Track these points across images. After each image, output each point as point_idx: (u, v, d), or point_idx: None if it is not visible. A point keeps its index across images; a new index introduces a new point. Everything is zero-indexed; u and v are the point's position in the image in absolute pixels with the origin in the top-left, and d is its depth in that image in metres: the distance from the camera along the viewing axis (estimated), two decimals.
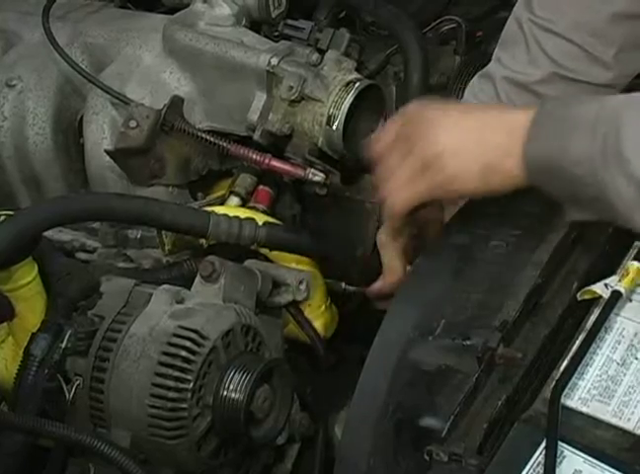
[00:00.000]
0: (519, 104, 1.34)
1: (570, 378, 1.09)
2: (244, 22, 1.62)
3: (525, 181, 1.13)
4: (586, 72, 1.33)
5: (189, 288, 1.25)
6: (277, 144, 1.54)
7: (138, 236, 1.46)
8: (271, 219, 1.47)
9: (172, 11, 1.66)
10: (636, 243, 1.17)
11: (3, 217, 1.23)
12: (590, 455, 1.02)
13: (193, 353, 1.15)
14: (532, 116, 1.11)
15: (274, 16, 1.62)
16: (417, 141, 1.18)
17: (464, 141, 1.15)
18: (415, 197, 1.20)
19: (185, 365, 1.14)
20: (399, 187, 1.20)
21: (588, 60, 1.33)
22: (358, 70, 1.56)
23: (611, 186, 1.04)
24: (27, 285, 1.28)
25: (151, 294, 1.22)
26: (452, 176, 1.16)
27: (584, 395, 1.09)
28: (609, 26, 1.31)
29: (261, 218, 1.43)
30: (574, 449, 1.03)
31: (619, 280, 1.13)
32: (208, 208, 1.44)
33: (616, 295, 1.13)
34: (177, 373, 1.14)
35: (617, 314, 1.13)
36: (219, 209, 1.44)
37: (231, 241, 1.35)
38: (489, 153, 1.14)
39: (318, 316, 1.45)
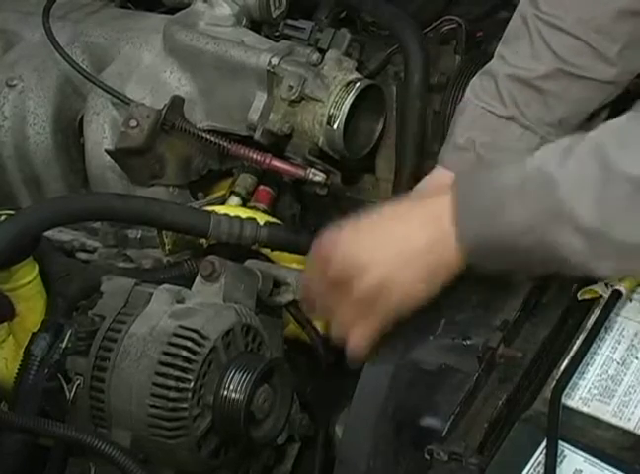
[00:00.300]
0: (520, 100, 1.34)
1: (570, 378, 1.09)
2: (244, 22, 1.62)
3: (470, 264, 1.10)
4: (590, 68, 1.33)
5: (189, 288, 1.25)
6: (277, 144, 1.54)
7: (139, 236, 1.46)
8: (271, 219, 1.47)
9: (172, 11, 1.67)
10: None
11: (4, 217, 1.23)
12: (590, 455, 1.02)
13: (193, 352, 1.15)
14: (451, 200, 1.09)
15: (274, 16, 1.62)
16: (351, 283, 1.13)
17: (397, 260, 1.11)
18: (373, 330, 1.15)
19: (185, 365, 1.14)
20: (351, 327, 1.16)
21: (592, 56, 1.33)
22: (358, 70, 1.56)
23: (564, 245, 1.03)
24: (27, 285, 1.28)
25: (151, 294, 1.22)
26: (402, 297, 1.12)
27: (584, 395, 1.09)
28: (615, 22, 1.31)
29: (261, 218, 1.43)
30: (574, 449, 1.03)
31: (620, 280, 1.13)
32: (209, 208, 1.44)
33: (617, 295, 1.13)
34: (177, 373, 1.14)
35: (618, 314, 1.13)
36: (220, 209, 1.44)
37: (232, 241, 1.35)
38: (426, 257, 1.10)
39: (318, 316, 1.45)
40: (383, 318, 1.14)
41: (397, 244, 1.12)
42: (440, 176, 1.38)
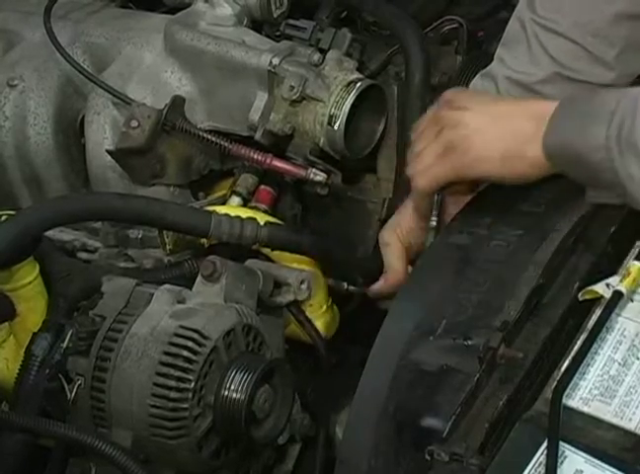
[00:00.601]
0: None
1: (571, 378, 1.09)
2: (245, 22, 1.62)
3: (546, 167, 1.19)
4: (588, 72, 1.33)
5: (190, 288, 1.25)
6: (278, 144, 1.54)
7: (139, 236, 1.46)
8: (272, 219, 1.47)
9: (173, 11, 1.66)
10: (637, 243, 1.17)
11: (5, 217, 1.23)
12: (591, 455, 1.02)
13: (194, 352, 1.15)
14: (557, 105, 1.18)
15: (275, 16, 1.62)
16: (446, 124, 1.24)
17: (490, 126, 1.22)
18: (440, 176, 1.26)
19: (186, 365, 1.14)
20: (425, 167, 1.27)
21: (590, 60, 1.33)
22: (359, 70, 1.56)
23: (624, 171, 1.10)
24: (28, 285, 1.28)
25: (152, 294, 1.22)
26: (476, 158, 1.22)
27: (585, 395, 1.09)
28: (612, 26, 1.31)
29: (262, 218, 1.42)
30: (575, 449, 1.03)
31: (621, 281, 1.13)
32: (210, 208, 1.44)
33: (618, 295, 1.12)
34: (178, 373, 1.14)
35: (619, 314, 1.13)
36: (221, 209, 1.44)
37: (233, 241, 1.35)
38: (512, 139, 1.20)
39: (319, 316, 1.45)
40: (455, 167, 1.24)
41: (495, 118, 1.23)
42: None
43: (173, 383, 1.14)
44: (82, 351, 1.19)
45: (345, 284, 1.52)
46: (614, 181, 1.12)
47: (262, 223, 1.38)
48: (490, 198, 1.31)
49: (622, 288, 1.12)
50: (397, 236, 1.39)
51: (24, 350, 1.24)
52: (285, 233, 1.41)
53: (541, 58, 1.34)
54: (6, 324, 1.32)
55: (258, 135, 1.52)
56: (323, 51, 1.55)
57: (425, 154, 1.27)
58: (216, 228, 1.33)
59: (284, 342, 1.35)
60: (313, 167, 1.51)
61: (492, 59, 1.41)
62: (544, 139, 1.18)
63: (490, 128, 1.22)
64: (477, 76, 1.42)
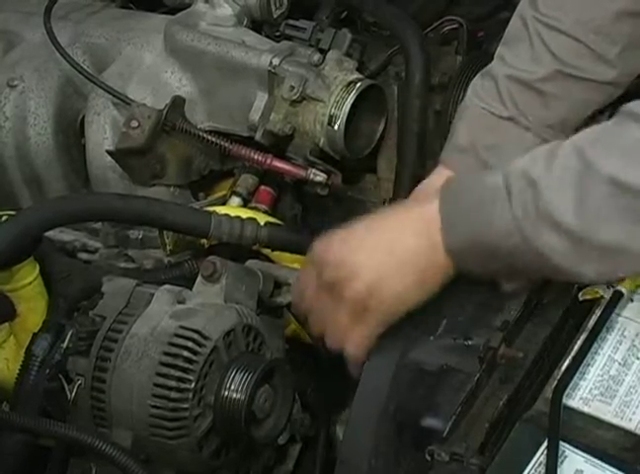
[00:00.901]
0: (521, 102, 1.34)
1: (571, 378, 1.09)
2: (245, 22, 1.62)
3: (459, 269, 1.12)
4: (590, 70, 1.33)
5: (190, 289, 1.25)
6: (278, 144, 1.54)
7: (140, 236, 1.46)
8: (272, 219, 1.47)
9: (173, 11, 1.66)
10: None
11: (5, 217, 1.23)
12: (591, 455, 1.02)
13: (194, 353, 1.15)
14: (438, 205, 1.10)
15: (275, 16, 1.62)
16: (342, 288, 1.15)
17: (387, 265, 1.13)
18: (368, 338, 1.17)
19: (186, 365, 1.14)
20: (347, 332, 1.17)
21: (592, 58, 1.33)
22: (359, 70, 1.56)
23: (547, 245, 1.03)
24: (28, 285, 1.28)
25: (152, 294, 1.22)
26: (393, 302, 1.14)
27: (585, 395, 1.09)
28: (614, 24, 1.31)
29: (262, 218, 1.43)
30: (575, 449, 1.03)
31: (620, 281, 1.13)
32: (210, 208, 1.44)
33: (618, 295, 1.13)
34: (178, 373, 1.14)
35: (619, 314, 1.13)
36: (221, 209, 1.44)
37: (233, 241, 1.35)
38: (415, 262, 1.12)
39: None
40: (377, 322, 1.16)
41: (387, 250, 1.13)
42: (440, 176, 1.38)
43: (173, 383, 1.14)
44: (82, 351, 1.19)
45: None
46: (536, 261, 1.05)
47: (262, 224, 1.38)
48: None
49: (622, 288, 1.13)
50: None
51: (24, 350, 1.24)
52: (285, 233, 1.41)
53: (543, 56, 1.34)
54: (6, 324, 1.32)
55: (258, 136, 1.52)
56: (323, 52, 1.55)
57: (334, 326, 1.18)
58: (216, 228, 1.33)
59: (285, 342, 1.35)
60: (313, 167, 1.51)
61: (492, 59, 1.41)
62: (447, 247, 1.10)
63: (388, 267, 1.12)
64: (477, 76, 1.42)
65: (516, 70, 1.35)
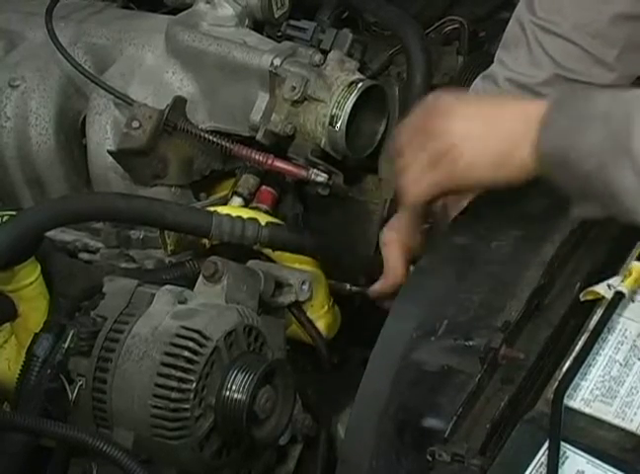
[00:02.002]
0: None
1: (573, 379, 1.09)
2: (247, 22, 1.62)
3: (537, 172, 1.13)
4: (588, 73, 1.33)
5: (191, 289, 1.25)
6: (279, 145, 1.54)
7: (141, 236, 1.46)
8: (273, 219, 1.47)
9: (175, 11, 1.66)
10: (639, 243, 1.17)
11: (6, 218, 1.23)
12: (592, 456, 1.02)
13: (195, 353, 1.15)
14: (547, 106, 1.12)
15: (276, 16, 1.62)
16: (432, 133, 1.20)
17: (478, 131, 1.17)
18: (431, 187, 1.22)
19: (187, 366, 1.14)
20: (415, 178, 1.22)
21: (590, 61, 1.33)
22: (360, 70, 1.56)
23: (619, 180, 1.04)
24: (29, 286, 1.28)
25: (154, 295, 1.22)
26: (467, 165, 1.17)
27: (586, 396, 1.09)
28: (611, 27, 1.31)
29: (263, 219, 1.42)
30: (576, 450, 1.03)
31: (622, 281, 1.13)
32: (211, 208, 1.44)
33: (619, 296, 1.12)
34: (179, 374, 1.14)
35: (620, 315, 1.13)
36: (222, 209, 1.44)
37: (234, 241, 1.35)
38: (503, 142, 1.15)
39: (321, 316, 1.45)
40: (445, 179, 1.20)
41: (482, 121, 1.17)
42: None
43: (174, 384, 1.14)
44: (83, 351, 1.19)
45: (348, 285, 1.51)
46: (605, 191, 1.07)
47: (263, 224, 1.38)
48: (491, 200, 1.31)
49: (624, 289, 1.12)
50: (397, 237, 1.38)
51: (25, 350, 1.24)
52: (287, 234, 1.41)
53: (542, 60, 1.34)
54: (7, 324, 1.32)
55: (259, 136, 1.52)
56: (324, 52, 1.55)
57: (413, 166, 1.23)
58: (218, 229, 1.33)
59: (286, 342, 1.35)
60: (314, 167, 1.51)
61: (493, 60, 1.41)
62: (535, 143, 1.12)
63: (477, 133, 1.17)
64: (478, 78, 1.42)
65: (515, 74, 1.35)
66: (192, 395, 1.14)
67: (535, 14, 1.35)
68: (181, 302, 1.22)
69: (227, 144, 1.51)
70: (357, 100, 1.50)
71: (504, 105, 1.19)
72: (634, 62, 1.34)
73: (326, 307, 1.46)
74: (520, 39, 1.36)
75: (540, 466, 1.02)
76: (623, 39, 1.32)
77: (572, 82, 1.33)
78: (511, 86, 1.35)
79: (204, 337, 1.16)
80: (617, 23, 1.31)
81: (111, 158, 1.53)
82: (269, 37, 1.62)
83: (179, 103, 1.52)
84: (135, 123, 1.48)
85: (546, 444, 1.02)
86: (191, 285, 1.26)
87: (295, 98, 1.49)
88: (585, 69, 1.33)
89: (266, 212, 1.53)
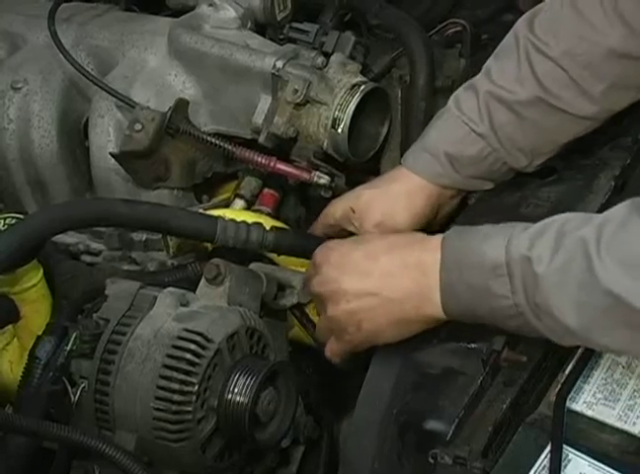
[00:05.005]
0: (497, 119, 1.34)
1: (575, 382, 1.09)
2: (249, 25, 1.62)
3: (446, 318, 1.14)
4: (571, 102, 1.31)
5: (193, 291, 1.25)
6: (282, 147, 1.54)
7: (143, 239, 1.46)
8: (276, 222, 1.46)
9: (177, 14, 1.66)
10: None
11: (10, 220, 1.24)
12: (595, 459, 1.02)
13: (197, 355, 1.15)
14: (440, 261, 1.12)
15: (279, 19, 1.62)
16: (327, 305, 1.21)
17: (374, 298, 1.16)
18: (344, 349, 1.25)
19: (189, 368, 1.14)
20: (328, 340, 1.26)
21: (575, 91, 1.31)
22: (363, 73, 1.56)
23: (549, 330, 1.05)
24: (32, 288, 1.28)
25: (156, 297, 1.22)
26: (369, 334, 1.19)
27: (589, 399, 1.09)
28: (604, 61, 1.29)
29: (266, 221, 1.42)
30: (579, 453, 1.03)
31: None
32: (215, 212, 1.44)
33: None
34: (182, 376, 1.14)
35: None
36: (225, 212, 1.44)
37: (239, 246, 1.34)
38: (401, 307, 1.15)
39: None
40: (353, 345, 1.22)
41: (378, 282, 1.16)
42: (400, 171, 1.42)
43: (176, 386, 1.14)
44: (86, 353, 1.19)
45: None
46: (524, 327, 1.08)
47: (267, 228, 1.37)
48: (491, 199, 1.31)
49: None
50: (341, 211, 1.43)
51: (28, 352, 1.24)
52: (292, 238, 1.40)
53: (527, 78, 1.33)
54: (10, 327, 1.32)
55: (262, 138, 1.52)
56: (327, 54, 1.55)
57: (323, 329, 1.27)
58: (223, 234, 1.33)
59: (288, 344, 1.35)
60: (317, 170, 1.51)
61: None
62: (443, 304, 1.12)
63: (372, 298, 1.16)
64: (461, 87, 1.42)
65: (498, 88, 1.34)
66: (194, 397, 1.14)
67: (533, 31, 1.33)
68: (183, 305, 1.22)
69: (229, 147, 1.51)
70: (359, 102, 1.50)
71: (397, 258, 1.16)
72: (618, 99, 1.33)
73: None
74: (513, 52, 1.35)
75: (543, 469, 1.02)
76: (613, 76, 1.30)
77: (551, 108, 1.32)
78: (490, 99, 1.34)
79: (207, 339, 1.16)
80: (611, 58, 1.29)
81: (113, 160, 1.52)
82: (271, 39, 1.62)
83: (181, 105, 1.52)
84: (138, 126, 1.48)
85: (549, 447, 1.03)
86: (193, 288, 1.26)
87: (298, 100, 1.49)
88: (569, 98, 1.31)
89: (268, 215, 1.53)
